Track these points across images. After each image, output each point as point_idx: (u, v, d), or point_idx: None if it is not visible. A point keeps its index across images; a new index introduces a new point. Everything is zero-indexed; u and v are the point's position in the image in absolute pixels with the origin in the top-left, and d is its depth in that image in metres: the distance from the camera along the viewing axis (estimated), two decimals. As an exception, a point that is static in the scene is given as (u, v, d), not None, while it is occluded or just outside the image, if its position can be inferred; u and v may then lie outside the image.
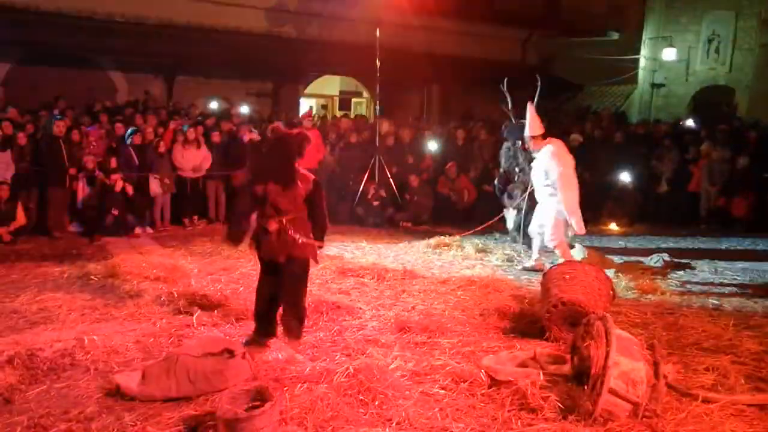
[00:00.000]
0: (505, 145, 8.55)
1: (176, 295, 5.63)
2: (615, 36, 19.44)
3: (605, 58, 18.65)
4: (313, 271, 6.79)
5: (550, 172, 6.71)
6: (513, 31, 18.66)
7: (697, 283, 6.71)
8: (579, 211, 6.64)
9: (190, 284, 6.10)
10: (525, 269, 7.20)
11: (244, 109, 12.52)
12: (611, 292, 5.09)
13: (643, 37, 19.38)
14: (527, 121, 7.07)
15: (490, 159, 11.17)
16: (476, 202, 10.54)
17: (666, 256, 7.50)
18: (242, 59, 13.80)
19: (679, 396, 3.79)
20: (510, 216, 8.31)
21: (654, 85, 19.14)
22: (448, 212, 10.45)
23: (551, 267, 5.37)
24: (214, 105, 12.99)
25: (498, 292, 6.12)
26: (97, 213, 8.54)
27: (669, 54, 18.71)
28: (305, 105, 17.07)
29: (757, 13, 18.02)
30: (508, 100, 8.28)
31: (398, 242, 8.68)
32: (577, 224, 6.62)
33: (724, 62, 18.88)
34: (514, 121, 8.19)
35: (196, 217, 9.68)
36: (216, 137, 9.85)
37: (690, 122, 14.54)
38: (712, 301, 5.98)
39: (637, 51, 19.35)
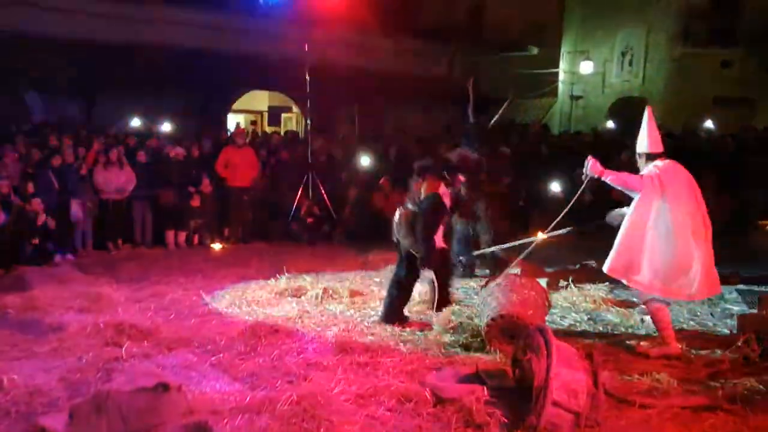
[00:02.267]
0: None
1: (103, 326, 5.30)
2: (535, 51, 20.19)
3: (527, 73, 19.32)
4: (249, 293, 6.72)
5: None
6: (439, 47, 19.05)
7: (624, 288, 6.95)
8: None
9: (117, 313, 5.79)
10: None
11: (168, 127, 12.11)
12: (547, 303, 5.21)
13: (562, 52, 20.23)
14: (645, 132, 5.20)
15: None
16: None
17: (593, 263, 7.75)
18: (165, 76, 13.42)
19: (617, 403, 3.89)
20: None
21: (573, 97, 19.98)
22: (383, 227, 10.44)
23: (487, 281, 5.44)
24: (136, 123, 12.51)
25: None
26: (13, 242, 8.01)
27: (586, 67, 19.59)
28: (233, 120, 16.76)
29: (667, 29, 19.17)
30: (471, 99, 7.47)
31: (334, 259, 8.60)
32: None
33: (637, 75, 19.95)
34: (473, 123, 7.32)
35: (120, 241, 9.27)
36: (141, 157, 9.49)
37: (610, 124, 15.36)
38: (640, 306, 6.20)
39: (556, 65, 20.17)
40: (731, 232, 9.69)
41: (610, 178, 5.03)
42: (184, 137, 11.37)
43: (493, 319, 4.75)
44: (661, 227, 4.80)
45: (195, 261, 8.54)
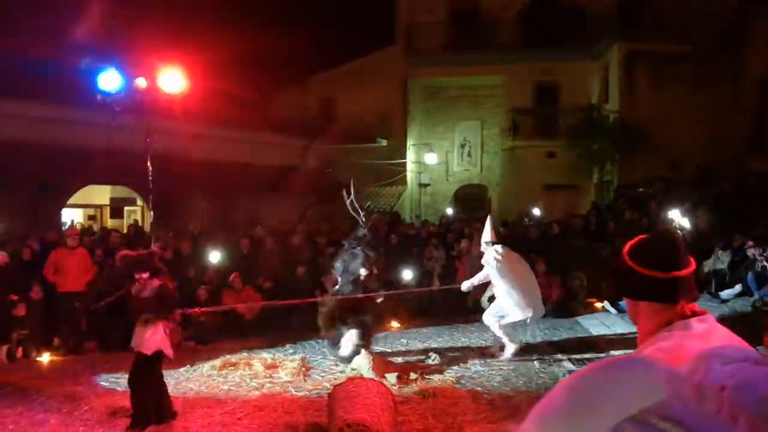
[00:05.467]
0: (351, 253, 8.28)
1: None
2: (384, 143, 21.31)
3: (377, 163, 20.25)
4: (77, 416, 6.08)
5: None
6: (292, 138, 19.45)
7: (470, 377, 7.21)
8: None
9: None
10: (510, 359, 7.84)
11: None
12: (393, 404, 5.23)
13: (408, 144, 21.57)
14: (487, 229, 8.27)
15: (278, 267, 11.20)
16: (265, 313, 10.34)
17: (436, 357, 8.02)
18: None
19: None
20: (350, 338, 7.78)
21: (421, 185, 21.21)
22: (234, 326, 10.07)
23: (335, 386, 5.38)
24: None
25: (289, 414, 5.94)
26: None
27: (430, 158, 21.02)
28: (70, 216, 15.63)
29: (498, 123, 21.22)
30: (355, 204, 8.60)
31: (179, 366, 8.05)
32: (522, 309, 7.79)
33: (476, 164, 21.74)
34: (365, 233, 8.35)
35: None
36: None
37: (449, 211, 16.50)
38: (485, 396, 6.45)
39: (404, 156, 21.40)
40: (561, 312, 10.57)
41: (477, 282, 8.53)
42: (11, 238, 10.37)
43: (340, 428, 4.67)
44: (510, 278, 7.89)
45: (16, 379, 7.58)
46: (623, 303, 3.82)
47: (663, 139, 16.32)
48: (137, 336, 5.68)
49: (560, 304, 10.71)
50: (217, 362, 7.94)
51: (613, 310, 10.35)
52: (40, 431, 5.67)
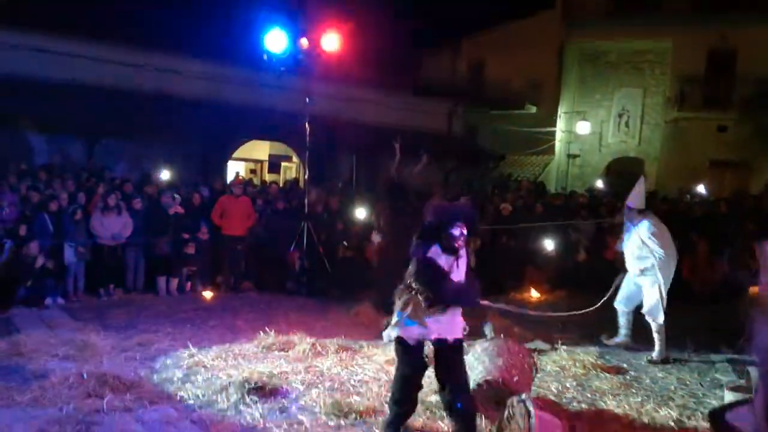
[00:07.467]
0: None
1: (86, 376, 5.24)
2: (533, 110, 20.59)
3: (524, 130, 19.67)
4: (237, 346, 6.66)
5: (653, 251, 6.54)
6: (439, 103, 19.42)
7: (614, 354, 6.91)
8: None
9: (101, 363, 5.74)
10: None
11: (167, 174, 12.18)
12: (534, 368, 5.17)
13: (559, 112, 20.64)
14: (634, 193, 6.85)
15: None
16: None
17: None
18: (167, 123, 13.60)
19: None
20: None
21: (570, 156, 20.29)
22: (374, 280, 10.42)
23: (477, 342, 5.41)
24: (135, 169, 12.62)
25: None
26: (5, 284, 7.98)
27: (583, 127, 19.96)
28: (233, 168, 16.92)
29: (662, 92, 19.64)
30: (397, 155, 8.08)
31: (326, 313, 8.55)
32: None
33: (634, 135, 20.35)
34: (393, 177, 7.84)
35: (112, 286, 9.23)
36: (137, 204, 9.53)
37: (599, 184, 15.58)
38: (630, 372, 6.17)
39: (554, 124, 20.54)
40: (724, 297, 9.69)
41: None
42: (183, 185, 11.47)
43: (479, 385, 4.71)
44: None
45: (185, 309, 8.49)
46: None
47: None
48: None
49: (722, 289, 9.84)
50: (359, 310, 8.32)
51: None
52: (204, 354, 6.29)
